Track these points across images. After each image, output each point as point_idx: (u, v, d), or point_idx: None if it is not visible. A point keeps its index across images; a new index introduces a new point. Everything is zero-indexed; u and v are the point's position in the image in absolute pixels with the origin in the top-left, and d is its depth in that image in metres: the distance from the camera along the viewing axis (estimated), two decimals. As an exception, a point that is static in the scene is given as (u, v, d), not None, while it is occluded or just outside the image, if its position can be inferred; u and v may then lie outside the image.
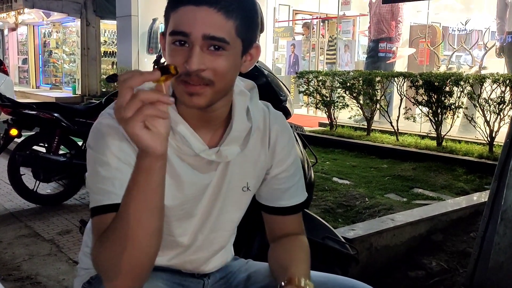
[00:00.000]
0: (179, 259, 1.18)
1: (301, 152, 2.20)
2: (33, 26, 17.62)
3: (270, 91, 2.18)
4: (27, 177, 4.08)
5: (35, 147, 4.08)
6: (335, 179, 4.68)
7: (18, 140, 4.04)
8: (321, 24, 10.23)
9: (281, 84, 2.28)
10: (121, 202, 0.88)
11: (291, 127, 2.22)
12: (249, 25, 0.99)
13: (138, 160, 0.85)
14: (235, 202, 1.17)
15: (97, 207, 0.96)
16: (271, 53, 10.51)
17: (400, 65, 8.07)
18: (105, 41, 14.96)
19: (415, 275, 2.63)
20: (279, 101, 2.20)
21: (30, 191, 4.02)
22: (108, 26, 14.68)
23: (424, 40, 7.90)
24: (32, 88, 17.59)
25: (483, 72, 6.17)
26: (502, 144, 5.05)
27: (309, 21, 10.62)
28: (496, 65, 6.90)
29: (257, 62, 2.23)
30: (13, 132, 3.88)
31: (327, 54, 9.88)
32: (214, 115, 1.05)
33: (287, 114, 2.23)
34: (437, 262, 2.72)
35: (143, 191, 0.85)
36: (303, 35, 11.01)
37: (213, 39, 0.92)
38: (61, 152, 4.05)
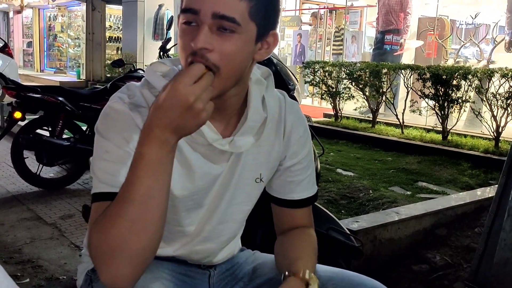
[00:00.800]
0: (185, 249, 1.15)
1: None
2: (39, 9, 17.57)
3: (279, 79, 2.15)
4: (30, 161, 4.07)
5: (39, 131, 4.06)
6: (339, 170, 4.66)
7: (22, 123, 4.02)
8: (329, 14, 10.15)
9: (290, 72, 2.25)
10: (126, 185, 0.85)
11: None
12: (267, 9, 0.93)
13: (161, 140, 0.83)
14: (246, 194, 1.13)
15: (100, 193, 0.93)
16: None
17: (407, 58, 8.01)
18: (110, 26, 14.91)
19: (419, 269, 2.61)
20: (287, 90, 2.17)
21: (33, 175, 4.01)
22: (113, 11, 14.62)
23: (432, 32, 7.83)
24: (37, 71, 17.57)
25: (491, 66, 6.11)
26: (508, 139, 5.05)
27: (316, 11, 10.54)
28: (504, 60, 6.83)
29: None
30: (17, 115, 3.86)
31: (334, 45, 9.82)
32: (228, 104, 1.01)
33: (294, 103, 2.21)
34: (441, 257, 2.70)
35: (158, 171, 0.84)
36: (310, 25, 10.93)
37: (223, 18, 0.87)
38: (65, 136, 4.03)
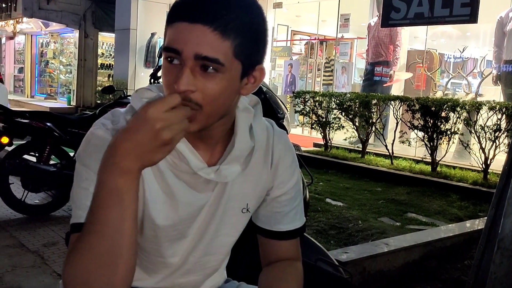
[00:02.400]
0: (167, 281, 1.11)
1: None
2: (31, 35, 17.62)
3: (268, 108, 2.15)
4: (16, 186, 4.00)
5: (25, 156, 4.01)
6: (328, 200, 4.63)
7: (9, 149, 3.97)
8: (319, 45, 10.28)
9: (279, 101, 2.25)
10: (89, 216, 0.83)
11: (288, 145, 2.19)
12: (252, 46, 0.90)
13: (122, 168, 0.81)
14: (232, 224, 1.09)
15: (78, 224, 0.89)
16: (268, 72, 10.53)
17: (397, 89, 8.09)
18: (103, 54, 14.97)
19: (409, 302, 2.58)
20: (277, 118, 2.17)
21: (18, 201, 3.94)
22: (106, 39, 14.70)
23: (421, 65, 7.93)
24: (27, 97, 17.51)
25: (479, 99, 6.18)
26: (497, 171, 5.07)
27: (308, 41, 10.67)
28: (492, 93, 6.93)
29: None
30: (4, 140, 3.81)
31: (324, 75, 9.92)
32: (213, 133, 0.98)
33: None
34: (431, 290, 2.67)
35: (120, 200, 0.81)
36: (300, 55, 11.06)
37: (206, 60, 0.85)
38: (51, 162, 3.98)
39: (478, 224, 3.61)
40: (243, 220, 1.11)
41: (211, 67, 0.86)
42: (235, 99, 0.95)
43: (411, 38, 9.04)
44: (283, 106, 2.23)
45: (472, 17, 5.54)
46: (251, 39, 0.90)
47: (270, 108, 2.14)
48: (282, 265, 1.12)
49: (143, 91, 1.00)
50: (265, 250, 1.17)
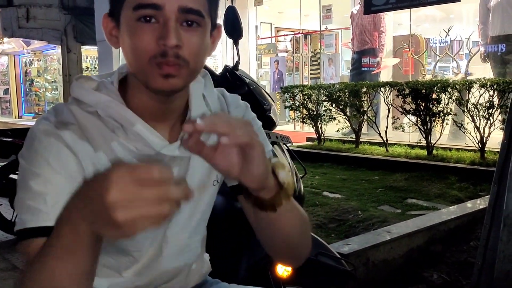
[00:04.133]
0: (146, 276, 1.02)
1: (289, 164, 2.06)
2: (14, 55, 17.46)
3: (252, 100, 2.05)
4: (5, 207, 3.89)
5: (12, 176, 3.90)
6: (325, 193, 4.55)
7: (-6, 169, 3.87)
8: (304, 39, 10.20)
9: (265, 93, 2.15)
10: (31, 264, 0.74)
11: (277, 137, 2.10)
12: (217, 1, 0.91)
13: (70, 222, 0.68)
14: (203, 200, 1.03)
15: (24, 230, 0.81)
16: (255, 70, 10.44)
17: (385, 76, 8.02)
18: (87, 67, 14.85)
19: (416, 289, 2.49)
20: (263, 110, 2.07)
21: (8, 222, 3.83)
22: (89, 52, 14.58)
23: (407, 49, 7.87)
24: (15, 118, 17.34)
25: (469, 78, 6.12)
26: (493, 149, 5.01)
27: (292, 37, 10.60)
28: (481, 71, 6.87)
29: (238, 71, 2.12)
30: (-13, 160, 3.71)
31: (311, 69, 9.84)
32: (171, 107, 0.93)
33: (272, 124, 2.10)
34: (438, 275, 2.58)
35: (66, 254, 0.70)
36: (286, 52, 10.99)
37: (190, 12, 0.83)
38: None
39: (480, 203, 3.54)
40: (213, 194, 1.06)
41: (194, 22, 0.84)
42: (206, 58, 0.92)
43: (395, 25, 8.98)
44: (268, 97, 2.13)
45: (454, -4, 5.48)
46: None
47: (255, 100, 2.05)
48: None
49: (83, 80, 0.94)
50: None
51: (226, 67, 2.08)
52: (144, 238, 0.97)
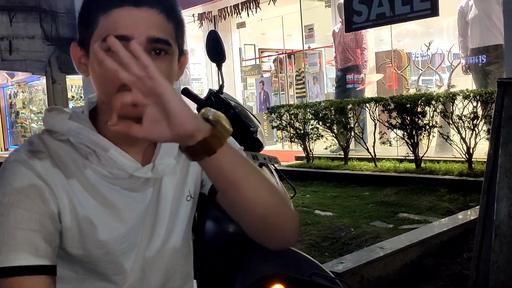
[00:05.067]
0: None
1: (278, 185, 2.05)
2: (-2, 88, 17.37)
3: (239, 123, 2.05)
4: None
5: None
6: (317, 211, 4.53)
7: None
8: (288, 59, 10.28)
9: (250, 115, 2.15)
10: None
11: (264, 159, 2.09)
12: (182, 28, 0.94)
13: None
14: (180, 217, 1.04)
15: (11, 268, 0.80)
16: (241, 92, 10.48)
17: (370, 92, 8.09)
18: (73, 97, 14.81)
19: (413, 305, 2.47)
20: (249, 132, 2.07)
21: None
22: (75, 82, 14.57)
23: (390, 65, 7.95)
24: (1, 150, 17.18)
25: (451, 90, 6.18)
26: (480, 160, 5.04)
27: (276, 57, 10.68)
28: (463, 83, 6.96)
29: (222, 94, 2.12)
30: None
31: (296, 88, 9.90)
32: None
33: (259, 145, 2.10)
34: (434, 289, 2.57)
35: None
36: (270, 72, 11.04)
37: (159, 42, 0.86)
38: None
39: (471, 214, 3.55)
40: (189, 209, 1.07)
41: (163, 51, 0.87)
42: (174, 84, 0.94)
43: (377, 41, 9.09)
44: (254, 119, 2.13)
45: (433, 11, 5.54)
46: (182, 22, 0.93)
47: (241, 123, 2.05)
48: None
49: (55, 111, 0.96)
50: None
51: (210, 91, 2.08)
52: (124, 260, 0.96)
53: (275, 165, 2.13)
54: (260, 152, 2.10)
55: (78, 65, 0.92)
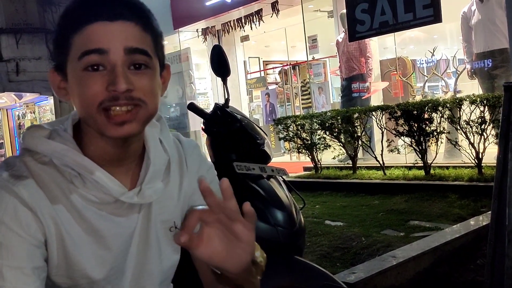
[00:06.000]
0: None
1: (287, 196, 2.05)
2: (6, 109, 17.53)
3: (245, 135, 2.06)
4: None
5: None
6: (327, 222, 4.51)
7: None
8: (292, 71, 10.32)
9: (257, 127, 2.15)
10: None
11: (272, 171, 2.09)
12: (161, 41, 0.92)
13: None
14: (169, 244, 1.00)
15: None
16: (247, 104, 10.51)
17: (376, 100, 8.07)
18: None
19: (427, 313, 2.44)
20: (256, 145, 2.07)
21: None
22: (81, 100, 14.64)
23: (395, 72, 7.95)
24: (11, 171, 17.28)
25: (458, 96, 6.16)
26: (490, 164, 5.00)
27: (281, 69, 10.72)
28: (469, 88, 6.93)
29: (228, 108, 2.13)
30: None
31: (302, 99, 9.91)
32: (129, 151, 0.91)
33: (267, 158, 2.10)
34: (448, 296, 2.54)
35: None
36: (276, 84, 11.08)
37: (137, 52, 0.83)
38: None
39: (483, 220, 3.51)
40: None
41: (142, 65, 0.84)
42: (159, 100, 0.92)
43: (381, 49, 9.09)
44: (261, 131, 2.13)
45: (436, 17, 5.55)
46: (160, 35, 0.91)
47: (248, 136, 2.05)
48: None
49: (34, 129, 0.92)
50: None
51: (216, 105, 2.09)
52: (121, 283, 0.94)
53: (284, 177, 2.13)
54: (268, 164, 2.10)
55: (58, 91, 0.90)
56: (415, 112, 5.34)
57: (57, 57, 0.88)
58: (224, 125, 2.04)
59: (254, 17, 9.05)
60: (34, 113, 16.56)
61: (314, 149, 6.70)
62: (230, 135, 2.05)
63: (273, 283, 1.84)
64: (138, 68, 0.84)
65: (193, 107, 2.03)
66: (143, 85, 0.84)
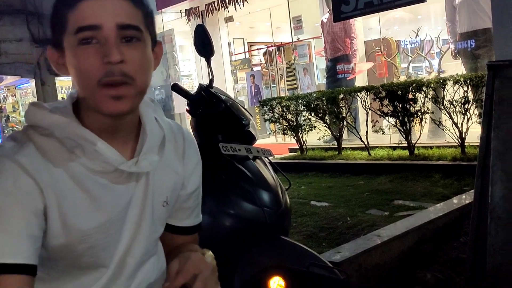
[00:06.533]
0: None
1: (273, 177, 2.05)
2: (-13, 92, 17.25)
3: (230, 116, 2.04)
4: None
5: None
6: (313, 202, 4.54)
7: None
8: (277, 52, 10.26)
9: (242, 108, 2.14)
10: None
11: (258, 152, 2.08)
12: (152, 17, 0.96)
13: None
14: (160, 219, 1.07)
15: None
16: (232, 86, 10.45)
17: (361, 81, 8.09)
18: (63, 98, 14.70)
19: (412, 291, 2.48)
20: (241, 126, 2.06)
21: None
22: (64, 83, 14.45)
23: (380, 53, 7.96)
24: (-7, 155, 17.08)
25: (442, 76, 6.20)
26: (473, 144, 5.06)
27: (265, 50, 10.66)
28: (453, 68, 6.97)
29: (213, 89, 2.11)
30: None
31: (287, 80, 9.88)
32: (124, 125, 0.96)
33: (252, 138, 2.09)
34: (432, 274, 2.58)
35: None
36: (261, 65, 11.02)
37: (128, 28, 0.88)
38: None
39: (466, 198, 3.56)
40: (164, 215, 1.08)
41: (134, 38, 0.88)
42: (151, 74, 0.96)
43: (366, 30, 9.08)
44: (246, 112, 2.12)
45: (420, -3, 5.56)
46: (151, 11, 0.95)
47: (233, 117, 2.04)
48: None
49: (35, 106, 0.96)
50: (168, 244, 1.17)
51: (200, 86, 2.07)
52: (105, 256, 0.97)
53: (269, 158, 2.13)
54: (254, 145, 2.09)
55: (57, 67, 0.94)
56: (399, 92, 5.36)
57: (54, 35, 0.92)
58: (209, 106, 2.02)
59: (238, -3, 8.95)
60: (15, 96, 16.33)
61: (300, 130, 6.71)
62: (215, 116, 2.03)
63: (259, 263, 1.85)
64: (129, 40, 0.88)
65: (177, 88, 2.01)
66: (134, 57, 0.88)
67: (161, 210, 1.05)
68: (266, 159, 2.11)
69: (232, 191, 1.92)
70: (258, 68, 10.77)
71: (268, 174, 2.03)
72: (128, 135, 0.99)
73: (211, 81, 2.07)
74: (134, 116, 0.98)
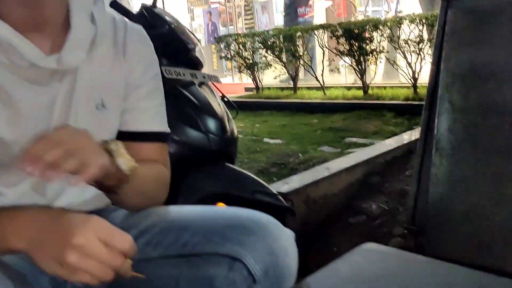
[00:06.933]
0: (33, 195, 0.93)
1: (219, 104, 1.99)
2: None
3: (175, 40, 1.94)
4: None
5: None
6: (266, 139, 4.53)
7: None
8: (236, -11, 9.98)
9: (188, 31, 2.03)
10: None
11: (204, 77, 2.01)
12: None
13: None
14: (89, 125, 0.91)
15: None
16: (188, 24, 10.16)
17: (319, 20, 8.00)
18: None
19: (357, 221, 2.52)
20: (187, 50, 1.96)
21: None
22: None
23: (339, -8, 7.85)
24: None
25: (399, 15, 6.18)
26: (425, 85, 5.10)
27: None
28: (410, 8, 6.96)
29: (156, 9, 1.99)
30: None
31: (245, 19, 9.68)
32: (45, 14, 0.85)
33: (197, 64, 2.01)
34: (377, 205, 2.62)
35: None
36: (218, 3, 10.72)
37: None
38: None
39: (414, 134, 3.62)
40: (103, 120, 0.96)
41: None
42: None
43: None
44: (192, 36, 2.02)
45: None
46: None
47: (178, 40, 1.94)
48: (148, 162, 1.00)
49: None
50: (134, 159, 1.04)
51: (143, 5, 1.95)
52: None
53: (214, 82, 2.06)
54: (202, 71, 2.01)
55: None
56: (356, 31, 5.32)
57: None
58: (152, 28, 1.91)
59: None
60: None
61: (256, 69, 6.62)
62: (158, 38, 1.93)
63: (203, 189, 1.81)
64: None
65: (117, 6, 1.87)
66: None
67: (95, 114, 0.95)
68: (209, 83, 2.04)
69: (176, 116, 1.85)
70: (216, 5, 10.48)
71: (214, 100, 1.96)
72: (57, 31, 0.88)
73: (155, 1, 1.95)
74: (56, 5, 0.87)
